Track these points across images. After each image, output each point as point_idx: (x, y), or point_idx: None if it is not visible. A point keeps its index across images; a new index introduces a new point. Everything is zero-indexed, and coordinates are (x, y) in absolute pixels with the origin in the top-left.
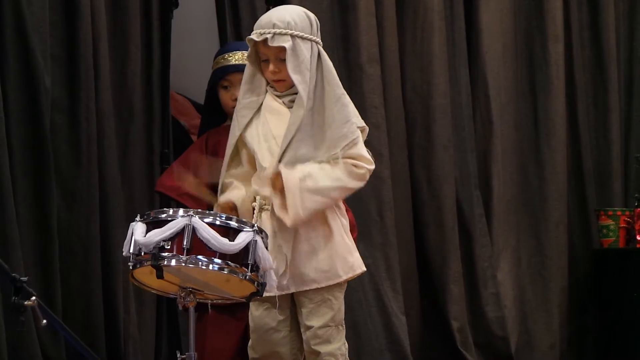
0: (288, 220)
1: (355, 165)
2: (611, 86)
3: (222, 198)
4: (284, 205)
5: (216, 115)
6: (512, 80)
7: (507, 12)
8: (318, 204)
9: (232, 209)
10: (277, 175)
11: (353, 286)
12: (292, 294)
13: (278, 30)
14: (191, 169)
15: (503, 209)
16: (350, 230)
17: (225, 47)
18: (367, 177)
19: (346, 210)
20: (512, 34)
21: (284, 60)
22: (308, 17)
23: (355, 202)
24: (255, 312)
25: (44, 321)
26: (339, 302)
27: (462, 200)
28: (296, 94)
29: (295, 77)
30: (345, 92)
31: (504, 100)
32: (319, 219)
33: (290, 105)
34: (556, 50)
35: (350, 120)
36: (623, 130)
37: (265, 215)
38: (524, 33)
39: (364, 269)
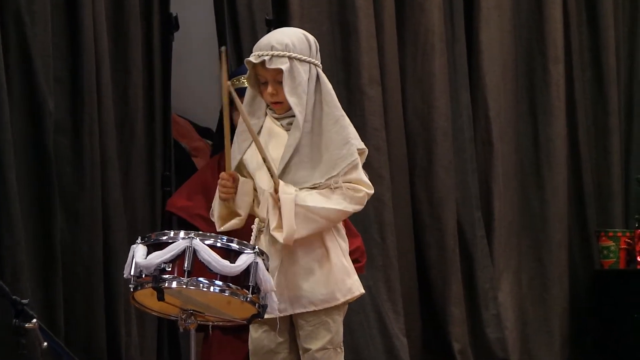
0: (281, 238)
1: (354, 190)
2: (611, 107)
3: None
4: (280, 225)
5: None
6: (513, 102)
7: (508, 34)
8: (313, 223)
9: (234, 178)
10: (276, 191)
11: (354, 308)
12: (291, 316)
13: (276, 53)
14: (202, 189)
15: (504, 230)
16: (359, 257)
17: (238, 69)
18: (365, 201)
19: (355, 236)
20: (512, 56)
21: (282, 82)
22: (307, 39)
23: (357, 224)
24: (255, 334)
25: (45, 343)
26: (337, 325)
27: (463, 222)
28: (294, 116)
29: (291, 100)
30: (344, 114)
31: (505, 122)
32: (316, 241)
33: (288, 128)
34: (557, 72)
35: (350, 142)
36: (623, 151)
37: (264, 238)
38: (525, 54)
39: (363, 291)
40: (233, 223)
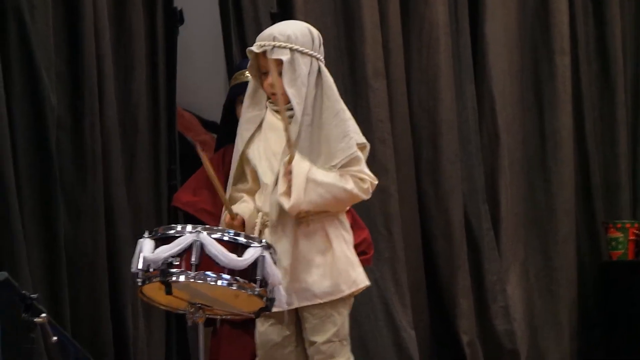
0: (287, 204)
1: (360, 179)
2: (618, 99)
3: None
4: (287, 192)
5: (233, 131)
6: (519, 95)
7: (513, 27)
8: (320, 198)
9: (241, 223)
10: (290, 161)
11: (361, 301)
12: (297, 309)
13: (278, 43)
14: (208, 184)
15: (511, 222)
16: (366, 249)
17: (243, 62)
18: (371, 192)
19: (362, 229)
20: (518, 48)
21: (282, 73)
22: (310, 32)
23: (363, 217)
24: (261, 327)
25: (54, 338)
26: (342, 317)
27: (469, 215)
28: (293, 109)
29: (290, 91)
30: (345, 109)
31: (511, 115)
32: (319, 233)
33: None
34: (563, 64)
35: (348, 135)
36: (630, 142)
37: (267, 232)
38: (530, 47)
39: (368, 283)
40: None
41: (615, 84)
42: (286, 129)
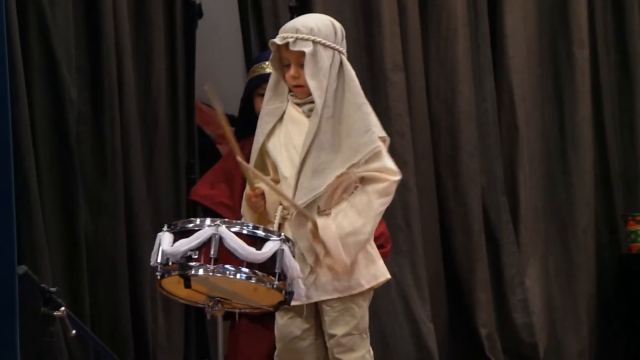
0: (339, 269)
1: (375, 181)
2: (637, 90)
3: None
4: (328, 253)
5: (251, 124)
6: (537, 86)
7: (532, 18)
8: (360, 243)
9: (261, 194)
10: (314, 226)
11: (380, 294)
12: (317, 302)
13: (300, 35)
14: (226, 177)
15: (530, 215)
16: (384, 242)
17: (261, 55)
18: (393, 188)
19: (380, 223)
20: (536, 40)
21: (304, 65)
22: (333, 25)
23: None
24: (280, 320)
25: (73, 331)
26: (362, 310)
27: (488, 207)
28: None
29: (311, 83)
30: (367, 102)
31: (529, 106)
32: None
33: (309, 114)
34: (581, 56)
35: (371, 129)
36: None
37: (287, 225)
38: (549, 38)
39: (388, 276)
40: None
41: (634, 75)
42: (280, 194)
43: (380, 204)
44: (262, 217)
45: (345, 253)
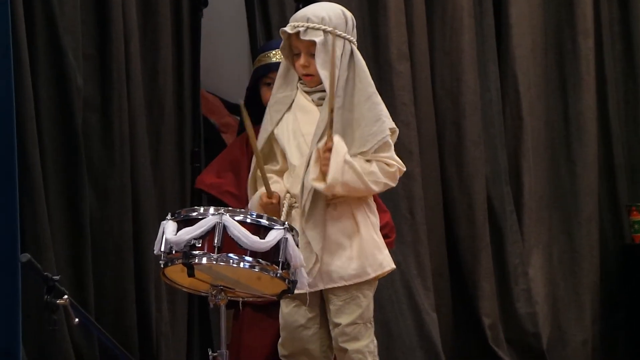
0: (322, 186)
1: (386, 164)
2: None
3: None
4: (319, 178)
5: (256, 113)
6: (542, 76)
7: (537, 8)
8: (353, 182)
9: (278, 202)
10: (327, 144)
11: (384, 284)
12: (322, 291)
13: (311, 25)
14: (231, 166)
15: (534, 205)
16: (389, 232)
17: (267, 44)
18: (397, 177)
19: (384, 212)
20: (541, 30)
21: (315, 55)
22: (344, 15)
23: (386, 200)
24: (285, 309)
25: (76, 320)
26: (367, 300)
27: (492, 197)
28: (325, 91)
29: (322, 73)
30: (377, 92)
31: (534, 96)
32: (346, 215)
33: (319, 103)
34: (586, 45)
35: (381, 119)
36: None
37: (295, 213)
38: (554, 28)
39: (393, 266)
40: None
41: (639, 65)
42: (331, 111)
43: (382, 177)
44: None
45: (341, 174)
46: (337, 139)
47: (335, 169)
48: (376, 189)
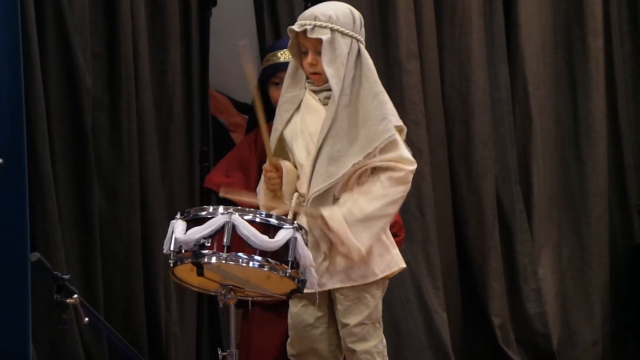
0: (354, 257)
1: (392, 170)
2: None
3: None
4: (342, 242)
5: (265, 112)
6: (552, 76)
7: (546, 7)
8: (375, 230)
9: (278, 167)
10: (323, 220)
11: (393, 283)
12: (330, 291)
13: (319, 23)
14: (240, 165)
15: (543, 204)
16: (397, 231)
17: (275, 44)
18: (410, 178)
19: None
20: (551, 29)
21: (322, 53)
22: (352, 14)
23: None
24: (294, 308)
25: (86, 319)
26: (375, 300)
27: (502, 196)
28: (331, 90)
29: (328, 70)
30: (384, 91)
31: (544, 96)
32: None
33: (326, 102)
34: (596, 45)
35: (387, 118)
36: None
37: (302, 212)
38: (563, 28)
39: (403, 265)
40: (277, 212)
41: None
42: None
43: (397, 192)
44: (277, 198)
45: (358, 240)
46: (326, 214)
47: (352, 247)
48: (397, 206)
